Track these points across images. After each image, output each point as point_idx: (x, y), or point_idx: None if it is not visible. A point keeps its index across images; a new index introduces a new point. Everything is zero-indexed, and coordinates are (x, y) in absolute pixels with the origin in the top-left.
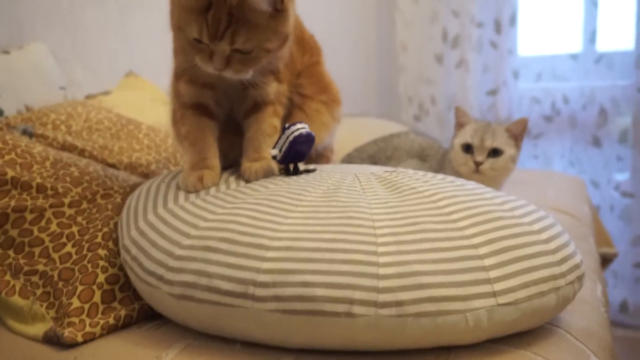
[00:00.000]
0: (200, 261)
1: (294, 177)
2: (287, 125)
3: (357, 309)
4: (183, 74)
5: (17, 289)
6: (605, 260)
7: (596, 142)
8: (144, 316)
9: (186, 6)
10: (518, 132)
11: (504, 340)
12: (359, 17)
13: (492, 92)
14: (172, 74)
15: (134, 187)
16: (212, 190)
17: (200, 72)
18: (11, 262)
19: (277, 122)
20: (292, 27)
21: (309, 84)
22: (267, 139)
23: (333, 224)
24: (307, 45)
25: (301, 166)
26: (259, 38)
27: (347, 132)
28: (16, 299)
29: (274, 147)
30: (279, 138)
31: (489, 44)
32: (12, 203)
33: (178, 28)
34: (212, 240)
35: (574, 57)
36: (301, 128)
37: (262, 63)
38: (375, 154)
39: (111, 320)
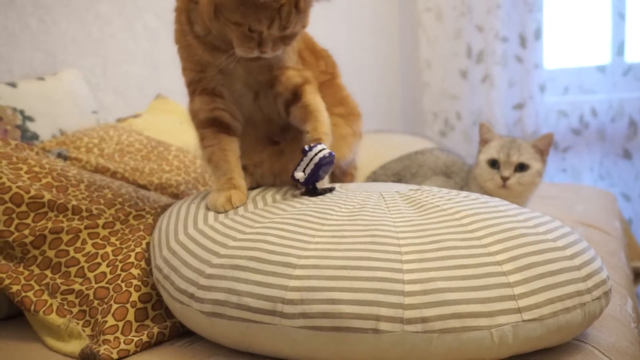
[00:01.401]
0: (230, 279)
1: (320, 197)
2: (306, 147)
3: (383, 326)
4: (195, 87)
5: (54, 307)
6: (638, 275)
7: (627, 155)
8: (176, 333)
9: (260, 5)
10: (544, 147)
11: (531, 357)
12: (382, 36)
13: (519, 107)
14: (188, 97)
15: (164, 207)
16: (241, 210)
17: (209, 79)
18: (48, 282)
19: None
20: (303, 39)
21: (323, 96)
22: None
23: (359, 242)
24: (320, 55)
25: (322, 185)
26: (304, 17)
27: (372, 149)
28: (53, 318)
29: (296, 170)
30: (301, 160)
31: (514, 58)
32: (49, 225)
33: (232, 22)
34: (242, 259)
35: (601, 69)
36: (323, 149)
37: (294, 40)
38: (401, 171)
39: (144, 338)
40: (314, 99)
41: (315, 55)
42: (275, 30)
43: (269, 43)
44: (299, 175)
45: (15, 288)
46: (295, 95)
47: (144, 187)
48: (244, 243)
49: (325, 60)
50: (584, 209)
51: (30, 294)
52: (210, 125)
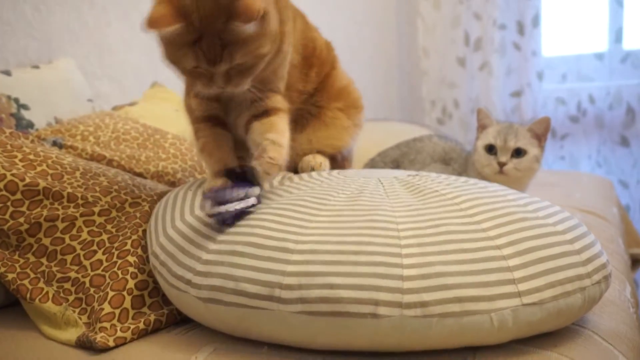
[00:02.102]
0: (227, 265)
1: (318, 182)
2: (230, 184)
3: (382, 310)
4: (191, 89)
5: (50, 295)
6: (636, 261)
7: (624, 142)
8: (173, 321)
9: (175, 42)
10: (541, 132)
11: (530, 341)
12: (380, 24)
13: (517, 94)
14: (184, 91)
15: (161, 195)
16: None
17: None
18: (44, 270)
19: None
20: (299, 40)
21: (321, 94)
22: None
23: (357, 227)
24: (316, 60)
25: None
26: (253, 47)
27: (370, 137)
28: (49, 305)
29: (228, 202)
30: (233, 187)
31: (512, 46)
32: (45, 213)
33: (171, 63)
34: (238, 244)
35: (599, 56)
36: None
37: (259, 70)
38: (399, 158)
39: (141, 325)
40: (282, 122)
41: (308, 65)
42: (204, 66)
43: (219, 78)
44: (229, 208)
45: (10, 276)
46: (266, 113)
47: (140, 175)
48: (241, 228)
49: (320, 65)
50: (581, 196)
51: (25, 282)
52: (206, 121)
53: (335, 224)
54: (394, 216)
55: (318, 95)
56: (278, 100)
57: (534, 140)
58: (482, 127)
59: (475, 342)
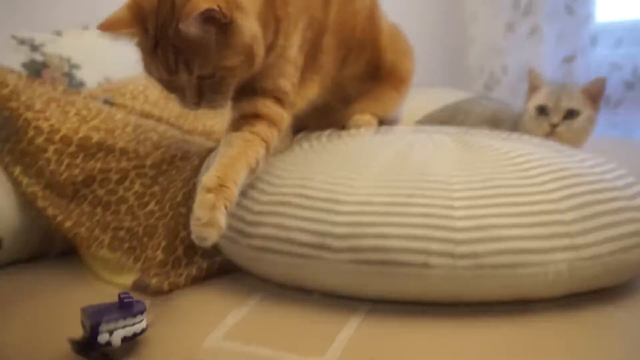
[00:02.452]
0: (279, 215)
1: (367, 138)
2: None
3: (434, 260)
4: None
5: (106, 243)
6: None
7: None
8: (224, 269)
9: (141, 50)
10: (596, 93)
11: (586, 296)
12: None
13: (568, 60)
14: None
15: (210, 150)
16: (286, 151)
17: None
18: (99, 219)
19: (262, 154)
20: (335, 20)
21: (370, 81)
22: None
23: (408, 180)
24: (354, 43)
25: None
26: (215, 59)
27: (416, 102)
28: (105, 252)
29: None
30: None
31: (564, 10)
32: (98, 165)
33: (146, 74)
34: (289, 195)
35: None
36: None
37: (232, 84)
38: (447, 120)
39: (194, 271)
40: (241, 138)
41: (345, 47)
42: (165, 76)
43: (190, 93)
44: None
45: (67, 224)
46: (243, 118)
47: (188, 132)
48: (290, 181)
49: (360, 49)
50: (635, 165)
51: (82, 230)
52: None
53: (386, 176)
54: (446, 169)
55: (368, 82)
56: (264, 104)
57: (588, 102)
58: (533, 88)
59: (528, 295)
